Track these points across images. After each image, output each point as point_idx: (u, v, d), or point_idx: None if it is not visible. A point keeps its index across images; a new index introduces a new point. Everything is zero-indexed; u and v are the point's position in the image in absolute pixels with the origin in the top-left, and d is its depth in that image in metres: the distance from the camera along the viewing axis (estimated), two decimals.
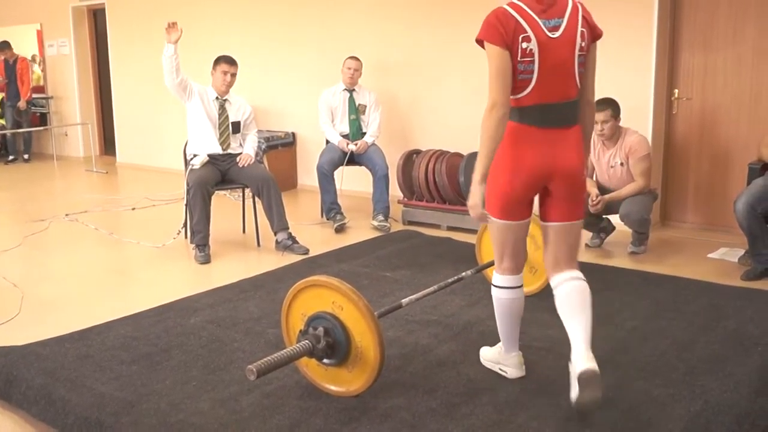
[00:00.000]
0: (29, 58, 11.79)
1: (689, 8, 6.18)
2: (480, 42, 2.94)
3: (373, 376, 3.06)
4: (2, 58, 11.45)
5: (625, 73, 6.18)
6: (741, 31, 5.99)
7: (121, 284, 5.24)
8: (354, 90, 6.89)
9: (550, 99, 2.93)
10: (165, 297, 4.56)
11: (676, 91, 6.33)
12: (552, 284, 3.23)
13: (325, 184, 6.61)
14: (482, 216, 3.03)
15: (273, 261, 5.48)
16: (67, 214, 7.23)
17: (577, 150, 3.02)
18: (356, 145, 6.64)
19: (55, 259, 5.85)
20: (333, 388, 3.19)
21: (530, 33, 2.86)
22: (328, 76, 7.59)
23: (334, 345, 3.09)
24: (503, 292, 3.25)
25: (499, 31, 2.85)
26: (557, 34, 2.90)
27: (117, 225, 6.94)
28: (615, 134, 5.46)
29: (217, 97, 5.92)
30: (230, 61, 5.92)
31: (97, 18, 11.53)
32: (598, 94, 5.41)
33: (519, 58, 2.86)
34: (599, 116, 5.39)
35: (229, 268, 5.35)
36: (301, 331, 3.18)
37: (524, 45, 2.85)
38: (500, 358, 3.44)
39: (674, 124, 6.40)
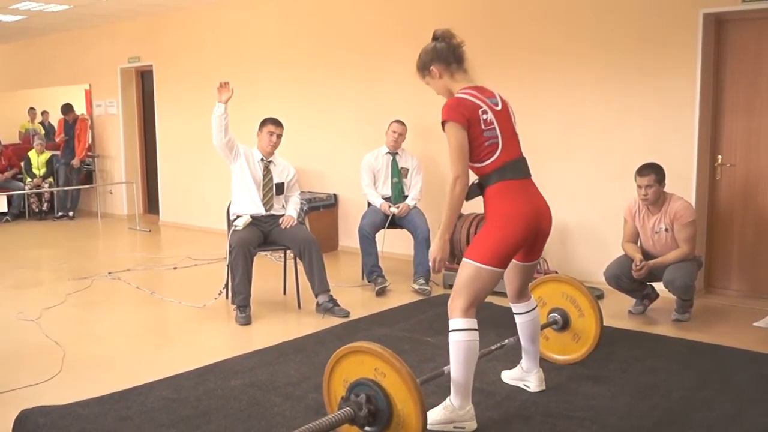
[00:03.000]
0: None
1: (732, 74, 6.17)
2: (443, 124, 3.40)
3: None
4: (63, 117, 11.79)
5: (669, 138, 6.18)
6: None
7: (162, 344, 5.26)
8: (397, 153, 6.94)
9: (514, 156, 3.48)
10: (205, 358, 4.57)
11: (720, 157, 6.28)
12: (516, 310, 3.86)
13: (366, 247, 6.63)
14: (443, 267, 3.48)
15: (313, 323, 5.48)
16: (110, 273, 7.33)
17: (543, 198, 3.57)
18: (398, 208, 6.66)
19: (97, 318, 5.91)
20: None
21: (485, 107, 3.43)
22: (369, 138, 7.68)
23: (376, 412, 3.07)
24: (473, 333, 3.37)
25: (460, 111, 3.36)
26: (498, 108, 3.50)
27: (158, 284, 7.01)
28: (659, 200, 5.43)
29: (262, 159, 6.00)
30: (277, 123, 6.02)
31: (144, 79, 11.81)
32: (642, 159, 5.49)
33: (483, 128, 3.38)
34: (642, 181, 5.38)
35: (270, 330, 5.35)
36: (342, 397, 3.17)
37: (484, 116, 3.40)
38: (454, 416, 3.42)
39: (718, 190, 6.34)
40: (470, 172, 3.46)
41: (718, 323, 5.52)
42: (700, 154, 6.15)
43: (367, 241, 6.62)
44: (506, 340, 4.01)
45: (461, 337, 3.33)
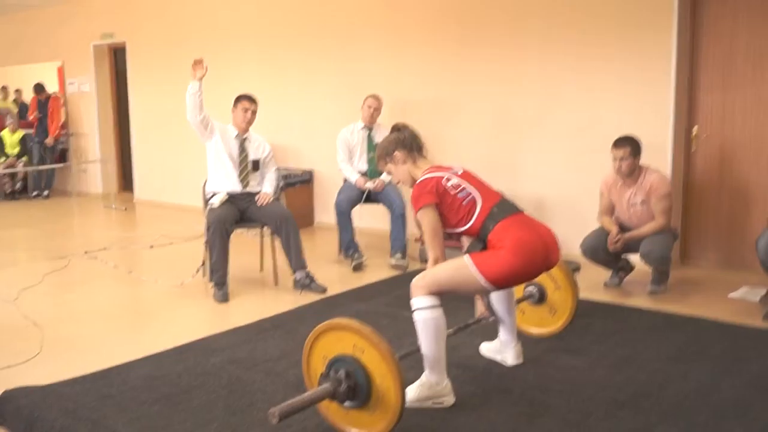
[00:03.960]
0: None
1: (707, 48, 6.20)
2: (416, 213, 3.52)
3: (395, 418, 3.03)
4: (36, 96, 11.65)
5: (644, 111, 6.21)
6: (760, 70, 6.00)
7: (141, 323, 5.24)
8: (372, 128, 6.92)
9: (495, 199, 3.53)
10: (184, 336, 4.56)
11: (696, 128, 6.32)
12: None
13: (342, 222, 6.63)
14: None
15: (291, 300, 5.48)
16: (86, 252, 7.29)
17: (547, 228, 3.56)
18: (374, 182, 6.66)
19: (75, 297, 5.87)
20: (354, 430, 3.17)
21: (447, 175, 3.56)
22: (345, 113, 7.65)
23: (355, 388, 3.09)
24: (438, 310, 3.37)
25: (427, 191, 3.49)
26: (460, 172, 3.63)
27: (135, 263, 6.98)
28: (635, 172, 5.45)
29: (237, 135, 5.96)
30: (251, 99, 5.97)
31: (117, 56, 11.69)
32: (618, 132, 5.52)
33: (453, 193, 3.50)
34: (618, 153, 5.41)
35: (248, 307, 5.35)
36: (322, 374, 3.18)
37: (449, 183, 3.52)
38: (431, 392, 3.45)
39: (693, 162, 6.39)
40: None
41: (694, 295, 5.58)
42: (676, 125, 6.19)
43: (344, 216, 6.62)
44: (482, 317, 4.02)
45: (427, 315, 3.34)
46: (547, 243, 3.45)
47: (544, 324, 4.47)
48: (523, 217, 3.53)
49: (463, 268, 3.36)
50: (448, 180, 3.53)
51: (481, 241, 3.46)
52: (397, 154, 3.68)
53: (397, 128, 3.77)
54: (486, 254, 3.38)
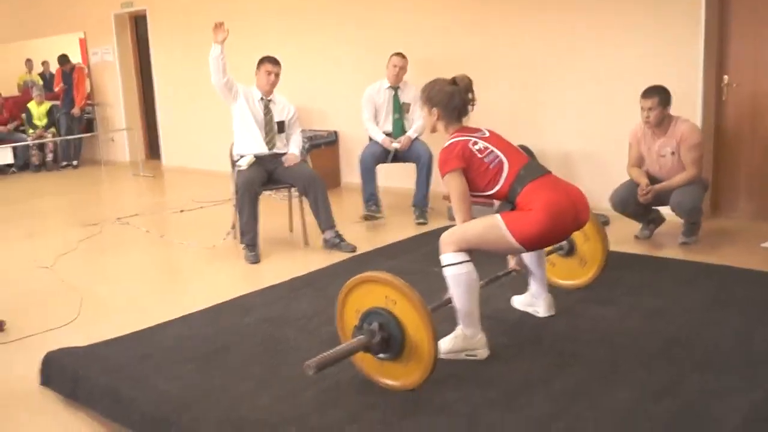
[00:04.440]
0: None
1: None
2: (443, 177, 3.51)
3: (428, 369, 3.06)
4: (60, 68, 11.72)
5: (673, 60, 6.13)
6: None
7: (175, 285, 5.32)
8: (398, 88, 6.88)
9: (523, 161, 3.50)
10: (218, 297, 4.62)
11: (726, 77, 6.23)
12: None
13: (366, 177, 6.69)
14: None
15: (321, 259, 5.52)
16: (118, 218, 7.38)
17: (577, 189, 3.54)
18: (399, 142, 6.65)
19: (110, 262, 5.98)
20: (389, 382, 3.21)
21: (475, 138, 3.53)
22: (368, 73, 7.62)
23: (388, 339, 3.12)
24: (468, 265, 3.37)
25: (453, 156, 3.47)
26: (487, 134, 3.60)
27: (167, 227, 7.07)
28: (664, 122, 5.39)
29: (261, 98, 5.97)
30: (274, 61, 5.97)
31: (138, 24, 11.70)
32: (646, 82, 5.46)
33: (480, 156, 3.47)
34: (646, 103, 5.35)
35: (279, 267, 5.40)
36: (355, 326, 3.21)
37: (476, 147, 3.49)
38: (465, 344, 3.47)
39: (724, 111, 6.31)
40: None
41: (726, 245, 5.55)
42: (706, 74, 6.10)
43: (368, 172, 6.68)
44: (514, 270, 4.02)
45: (457, 270, 3.35)
46: (576, 203, 3.44)
47: (574, 276, 4.47)
48: (552, 177, 3.51)
49: (494, 227, 3.35)
50: (474, 143, 3.51)
51: (510, 203, 3.45)
52: (435, 110, 3.62)
53: (454, 82, 3.62)
54: (516, 214, 3.37)
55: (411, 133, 6.73)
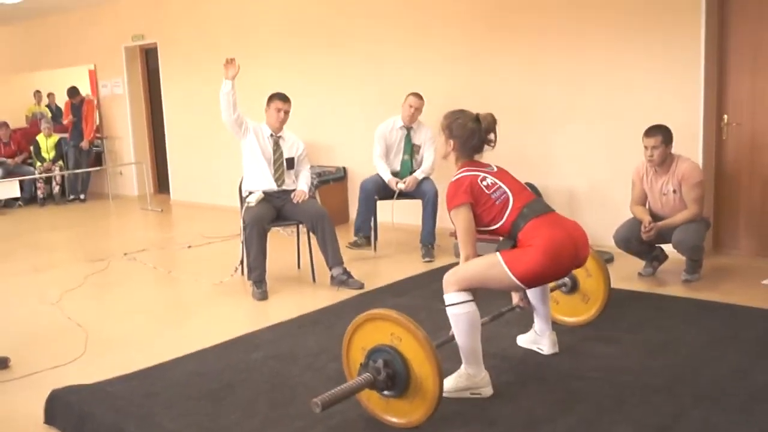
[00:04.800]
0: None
1: (736, 33, 6.19)
2: (449, 211, 3.58)
3: (433, 405, 3.11)
4: (70, 100, 11.84)
5: (674, 99, 6.22)
6: None
7: (182, 322, 5.35)
8: (412, 128, 6.92)
9: (527, 199, 3.57)
10: (225, 334, 4.67)
11: (726, 116, 6.32)
12: None
13: (363, 204, 6.81)
14: None
15: (329, 296, 5.57)
16: (125, 253, 7.43)
17: (579, 226, 3.59)
18: (405, 183, 6.72)
19: (117, 298, 6.01)
20: (394, 419, 3.26)
21: (483, 174, 3.60)
22: (376, 110, 7.73)
23: (394, 376, 3.17)
24: (470, 304, 3.43)
25: (462, 191, 3.52)
26: (495, 170, 3.68)
27: (174, 263, 7.12)
28: (666, 161, 5.47)
29: (271, 134, 6.05)
30: (284, 98, 6.05)
31: (148, 57, 11.83)
32: (648, 121, 5.55)
33: (488, 192, 3.54)
34: (649, 142, 5.43)
35: (287, 304, 5.44)
36: (361, 364, 3.27)
37: (484, 183, 3.56)
38: (469, 382, 3.51)
39: (724, 150, 6.38)
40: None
41: (727, 282, 5.60)
42: (706, 113, 6.18)
43: (366, 199, 6.79)
44: (517, 306, 4.08)
45: (459, 309, 3.41)
46: (576, 240, 3.49)
47: (577, 312, 4.52)
48: (554, 216, 3.57)
49: (494, 265, 3.42)
50: (483, 179, 3.57)
51: (511, 239, 3.51)
52: (452, 142, 3.67)
53: (477, 120, 3.65)
54: (516, 252, 3.44)
55: (418, 174, 6.79)
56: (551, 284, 4.29)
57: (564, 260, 3.44)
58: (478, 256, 3.52)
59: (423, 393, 3.13)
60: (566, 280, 4.46)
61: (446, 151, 3.73)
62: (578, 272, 4.43)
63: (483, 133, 3.65)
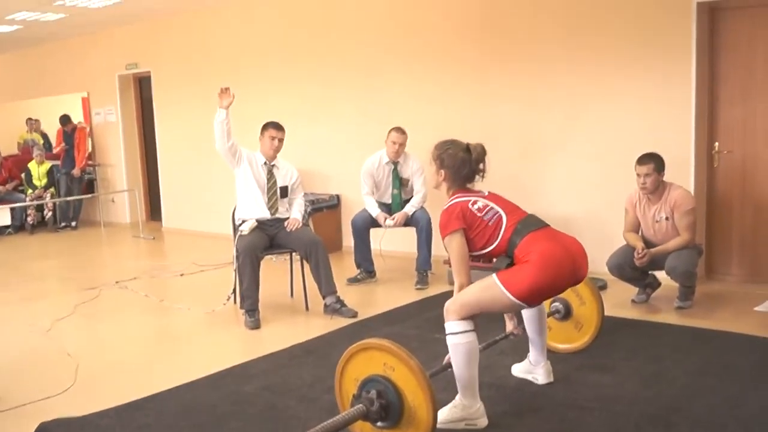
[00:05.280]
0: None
1: (726, 61, 6.24)
2: (443, 239, 3.57)
3: None
4: (62, 128, 11.84)
5: (666, 128, 6.25)
6: None
7: (174, 351, 5.32)
8: (398, 162, 6.90)
9: (521, 216, 3.59)
10: (218, 364, 4.63)
11: (717, 144, 6.35)
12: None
13: (357, 240, 6.83)
14: None
15: (322, 325, 5.55)
16: (117, 282, 7.39)
17: (576, 241, 3.59)
18: (393, 219, 6.72)
19: (108, 327, 5.97)
20: None
21: (473, 198, 3.61)
22: (371, 138, 7.73)
23: (387, 406, 3.15)
24: (471, 335, 3.42)
25: (454, 218, 3.53)
26: (486, 194, 3.69)
27: (166, 291, 7.08)
28: (659, 189, 5.51)
29: (265, 162, 6.05)
30: (278, 127, 6.06)
31: (142, 86, 11.83)
32: (641, 149, 5.58)
33: (480, 215, 3.54)
34: (641, 170, 5.47)
35: (280, 333, 5.42)
36: (354, 395, 3.24)
37: (475, 206, 3.57)
38: (464, 413, 3.49)
39: (716, 177, 6.41)
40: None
41: (720, 309, 5.60)
42: (698, 141, 6.22)
43: (358, 235, 6.81)
44: (512, 333, 4.06)
45: (459, 339, 3.40)
46: (574, 255, 3.49)
47: (570, 340, 4.51)
48: (550, 230, 3.58)
49: (491, 287, 3.41)
50: (474, 203, 3.58)
51: (508, 257, 3.50)
52: (443, 172, 3.69)
53: (468, 150, 3.67)
54: (512, 271, 3.42)
55: (408, 209, 6.78)
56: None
57: (561, 274, 3.42)
58: (472, 282, 3.52)
59: (417, 423, 3.11)
60: (560, 306, 4.47)
61: (438, 181, 3.74)
62: (572, 299, 4.44)
63: (474, 163, 3.66)
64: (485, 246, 3.55)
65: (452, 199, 3.63)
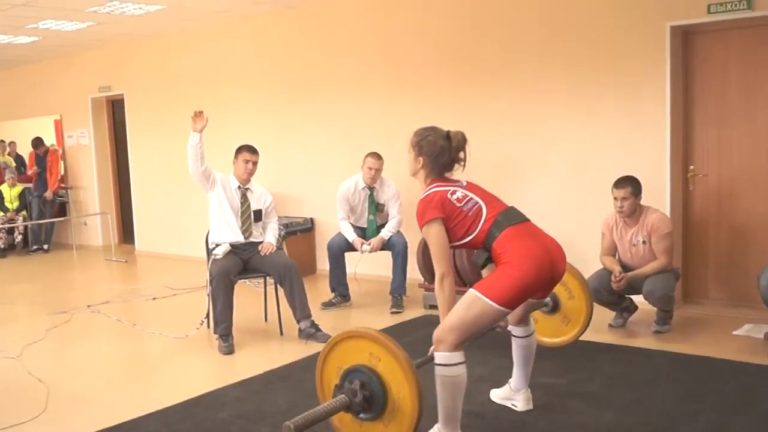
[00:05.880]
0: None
1: (701, 85, 6.28)
2: (421, 228, 3.48)
3: (411, 429, 3.02)
4: (34, 150, 11.71)
5: (641, 151, 6.27)
6: (754, 106, 6.07)
7: (147, 378, 5.22)
8: (374, 187, 6.85)
9: (501, 208, 3.53)
10: (191, 390, 4.55)
11: (692, 167, 6.37)
12: (515, 333, 3.90)
13: (332, 264, 6.78)
14: None
15: (297, 350, 5.47)
16: (89, 306, 7.27)
17: (553, 240, 3.57)
18: (370, 245, 6.68)
19: (79, 353, 5.87)
20: None
21: (452, 188, 3.53)
22: (345, 161, 7.71)
23: (371, 398, 3.08)
24: (461, 367, 3.32)
25: (432, 207, 3.44)
26: (465, 184, 3.61)
27: (139, 315, 6.97)
28: (636, 212, 5.50)
29: (239, 186, 6.00)
30: (252, 150, 6.01)
31: (115, 108, 11.76)
32: (616, 173, 5.58)
33: (459, 205, 3.46)
34: (619, 193, 5.46)
35: (254, 358, 5.34)
36: (336, 385, 3.17)
37: (454, 196, 3.49)
38: None
39: (692, 200, 6.43)
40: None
41: (699, 333, 5.59)
42: (673, 164, 6.23)
43: (334, 259, 6.78)
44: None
45: (449, 372, 3.28)
46: (552, 254, 3.43)
47: (558, 333, 4.45)
48: (530, 225, 3.53)
49: (474, 302, 3.29)
50: (453, 193, 3.49)
51: (486, 250, 3.43)
52: (422, 159, 3.60)
53: (448, 138, 3.59)
54: (490, 279, 3.35)
55: (384, 234, 6.73)
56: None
57: (540, 274, 3.34)
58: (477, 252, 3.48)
59: (400, 417, 3.04)
60: (547, 300, 4.39)
61: (415, 168, 3.64)
62: (560, 293, 4.38)
63: (453, 151, 3.59)
64: (464, 236, 3.46)
65: (430, 188, 3.54)
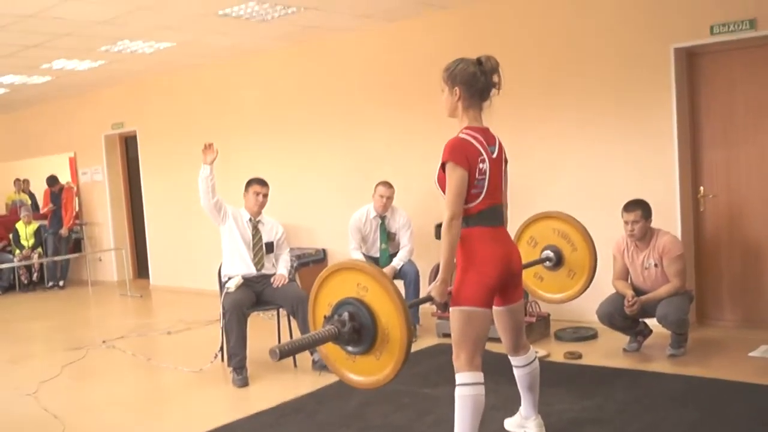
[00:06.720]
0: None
1: (707, 105, 6.28)
2: (443, 164, 3.42)
3: (402, 357, 3.02)
4: (49, 188, 11.83)
5: (650, 174, 6.26)
6: (761, 125, 6.06)
7: (162, 412, 5.23)
8: (385, 216, 6.86)
9: (493, 202, 3.52)
10: (206, 424, 4.55)
11: (702, 188, 6.36)
12: (515, 363, 3.84)
13: None
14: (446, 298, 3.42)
15: (310, 381, 5.47)
16: (104, 341, 7.29)
17: (514, 243, 3.70)
18: None
19: (95, 388, 5.89)
20: (361, 379, 3.19)
21: (485, 155, 3.46)
22: (356, 191, 7.73)
23: (360, 329, 3.07)
24: (480, 387, 3.36)
25: (464, 155, 3.39)
26: (494, 156, 3.54)
27: (154, 350, 6.99)
28: (647, 235, 5.49)
29: (250, 219, 6.03)
30: (262, 183, 6.05)
31: (128, 145, 11.89)
32: (625, 196, 5.58)
33: (477, 177, 3.42)
34: (629, 217, 5.45)
35: (268, 391, 5.34)
36: (325, 316, 3.15)
37: (481, 166, 3.43)
38: None
39: (702, 221, 6.41)
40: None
41: (714, 356, 5.54)
42: (682, 186, 6.23)
43: None
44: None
45: (468, 391, 3.34)
46: (510, 255, 3.56)
47: (564, 288, 4.38)
48: (499, 231, 3.58)
49: (460, 315, 3.40)
50: (482, 162, 3.45)
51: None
52: (457, 89, 3.53)
53: (480, 62, 3.52)
54: (455, 290, 3.42)
55: (396, 263, 6.71)
56: (535, 257, 4.34)
57: (497, 268, 3.44)
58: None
59: (391, 345, 3.03)
60: (550, 254, 4.35)
61: (452, 102, 3.57)
62: (563, 246, 4.32)
63: (488, 74, 3.53)
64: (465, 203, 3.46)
65: (466, 133, 3.50)
